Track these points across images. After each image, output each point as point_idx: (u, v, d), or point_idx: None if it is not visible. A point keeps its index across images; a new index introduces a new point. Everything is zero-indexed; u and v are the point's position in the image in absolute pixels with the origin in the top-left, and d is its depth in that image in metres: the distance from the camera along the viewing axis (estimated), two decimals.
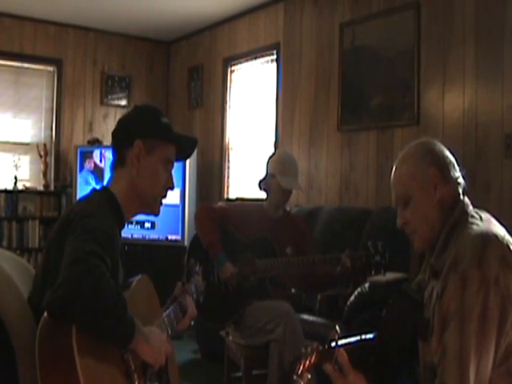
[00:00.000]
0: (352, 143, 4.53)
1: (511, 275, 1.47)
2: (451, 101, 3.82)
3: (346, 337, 1.64)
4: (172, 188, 1.82)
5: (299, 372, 1.52)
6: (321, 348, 1.56)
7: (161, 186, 1.78)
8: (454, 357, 1.44)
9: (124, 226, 1.78)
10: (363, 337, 1.77)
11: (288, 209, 3.45)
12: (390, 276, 2.97)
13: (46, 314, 1.41)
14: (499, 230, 1.59)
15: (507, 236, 1.57)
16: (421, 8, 4.01)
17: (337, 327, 1.59)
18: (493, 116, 3.56)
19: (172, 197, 5.31)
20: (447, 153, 1.70)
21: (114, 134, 1.82)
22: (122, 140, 1.78)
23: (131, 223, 5.39)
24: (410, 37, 4.05)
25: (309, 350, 1.55)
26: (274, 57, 5.35)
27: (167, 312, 1.81)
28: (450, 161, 1.68)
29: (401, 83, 4.12)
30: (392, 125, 4.19)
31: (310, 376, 1.53)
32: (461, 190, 1.66)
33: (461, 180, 1.67)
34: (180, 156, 1.88)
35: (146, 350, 1.51)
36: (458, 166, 1.69)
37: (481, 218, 1.62)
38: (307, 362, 1.53)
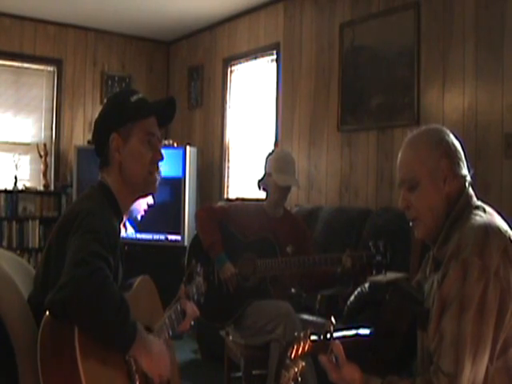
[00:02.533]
0: (352, 143, 4.53)
1: (511, 268, 1.47)
2: (451, 101, 3.82)
3: (341, 330, 1.64)
4: (162, 159, 1.78)
5: (292, 357, 1.51)
6: (316, 338, 1.55)
7: (147, 164, 1.74)
8: (450, 343, 1.44)
9: (123, 218, 1.77)
10: (359, 331, 1.77)
11: (288, 208, 3.45)
12: (390, 276, 2.97)
13: (47, 313, 1.40)
14: (502, 223, 1.59)
15: (509, 230, 1.58)
16: (421, 8, 4.01)
17: (332, 319, 1.58)
18: (493, 116, 3.56)
19: (172, 197, 5.32)
20: (459, 147, 1.69)
21: (92, 138, 1.81)
22: (100, 142, 1.77)
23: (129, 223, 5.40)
24: (410, 37, 4.05)
25: (302, 335, 1.54)
26: (274, 57, 5.35)
27: (168, 313, 1.81)
28: (461, 157, 1.68)
29: (401, 83, 4.12)
30: (392, 125, 4.19)
31: (304, 363, 1.52)
32: (466, 185, 1.67)
33: (468, 178, 1.67)
34: (163, 120, 1.83)
35: (146, 360, 1.50)
36: (467, 162, 1.69)
37: (484, 210, 1.62)
38: (300, 348, 1.53)
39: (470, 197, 1.66)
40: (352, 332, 1.73)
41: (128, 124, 1.73)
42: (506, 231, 1.55)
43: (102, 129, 1.76)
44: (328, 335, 1.56)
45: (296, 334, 1.56)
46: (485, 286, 1.44)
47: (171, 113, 1.87)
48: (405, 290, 1.81)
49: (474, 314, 1.43)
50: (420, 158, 1.65)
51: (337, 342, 1.56)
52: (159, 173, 1.79)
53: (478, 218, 1.57)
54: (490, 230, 1.52)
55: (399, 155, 1.73)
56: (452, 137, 1.70)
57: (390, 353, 1.76)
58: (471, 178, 1.68)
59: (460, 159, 1.67)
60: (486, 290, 1.44)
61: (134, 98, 1.76)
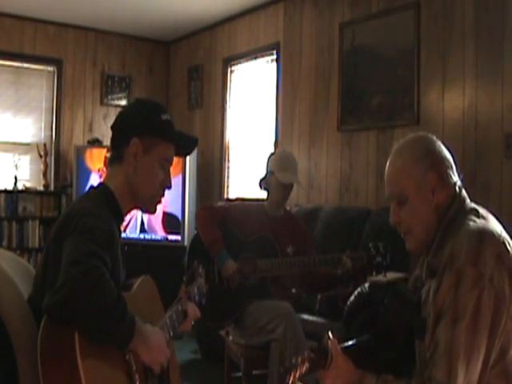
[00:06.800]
0: (352, 143, 4.53)
1: (506, 273, 1.46)
2: (451, 101, 3.82)
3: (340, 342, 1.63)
4: (170, 187, 1.80)
5: (290, 382, 1.51)
6: (312, 355, 1.55)
7: (157, 185, 1.76)
8: (444, 351, 1.43)
9: (123, 221, 1.77)
10: (358, 339, 1.76)
11: (288, 208, 3.45)
12: (390, 276, 2.97)
13: (46, 316, 1.40)
14: (496, 226, 1.57)
15: (504, 233, 1.56)
16: (421, 8, 4.01)
17: (329, 333, 1.58)
18: (493, 116, 3.56)
19: (172, 197, 5.32)
20: (447, 154, 1.66)
21: (112, 128, 1.80)
22: (119, 137, 1.76)
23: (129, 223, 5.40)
24: (410, 37, 4.05)
25: (299, 360, 1.53)
26: (274, 57, 5.35)
27: (169, 313, 1.81)
28: (450, 164, 1.65)
29: (401, 83, 4.12)
30: (392, 125, 4.19)
31: None
32: (458, 190, 1.64)
33: (459, 184, 1.65)
34: (179, 153, 1.85)
35: (145, 352, 1.50)
36: (456, 167, 1.66)
37: (478, 212, 1.60)
38: (298, 372, 1.52)
39: (463, 200, 1.63)
40: (350, 342, 1.72)
41: (153, 139, 1.73)
42: (500, 235, 1.53)
43: (126, 127, 1.75)
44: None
45: (293, 360, 1.54)
46: (479, 295, 1.43)
47: (189, 150, 1.91)
48: (403, 294, 1.81)
49: (468, 323, 1.42)
50: (406, 172, 1.63)
51: (334, 339, 1.56)
52: (162, 196, 1.81)
53: (471, 223, 1.55)
54: (483, 236, 1.50)
55: (386, 168, 1.70)
56: (438, 144, 1.67)
57: (389, 359, 1.75)
58: (462, 180, 1.66)
59: (448, 167, 1.64)
60: (480, 298, 1.43)
61: (164, 117, 1.77)
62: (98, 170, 5.62)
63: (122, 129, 1.77)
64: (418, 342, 1.65)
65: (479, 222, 1.55)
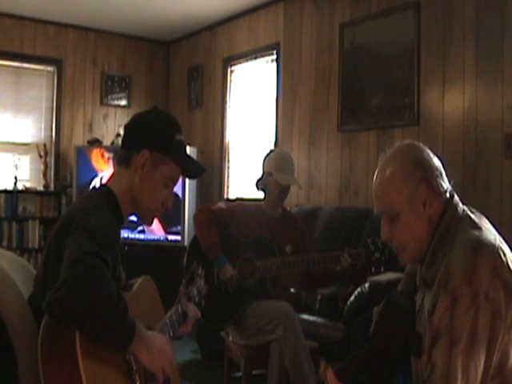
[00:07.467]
0: (352, 143, 4.53)
1: (501, 286, 1.42)
2: (451, 101, 3.82)
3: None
4: (169, 207, 1.80)
5: None
6: None
7: (158, 202, 1.76)
8: (441, 375, 1.40)
9: (123, 224, 1.77)
10: (353, 355, 1.75)
11: (288, 208, 3.45)
12: (390, 276, 2.97)
13: (46, 315, 1.40)
14: (490, 234, 1.52)
15: (497, 240, 1.51)
16: (421, 8, 4.01)
17: (324, 364, 1.57)
18: (493, 116, 3.56)
19: None
20: (436, 161, 1.61)
21: (126, 128, 1.80)
22: (131, 141, 1.76)
23: (131, 223, 5.40)
24: (410, 37, 4.05)
25: None
26: (274, 57, 5.35)
27: (169, 314, 1.81)
28: (439, 172, 1.59)
29: (401, 83, 4.12)
30: (392, 125, 4.18)
31: None
32: (449, 197, 1.59)
33: (450, 190, 1.60)
34: (183, 175, 1.85)
35: (147, 356, 1.49)
36: (446, 172, 1.61)
37: (471, 220, 1.55)
38: None
39: (455, 207, 1.58)
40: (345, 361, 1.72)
41: (163, 156, 1.73)
42: (495, 245, 1.48)
43: (139, 135, 1.75)
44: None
45: None
46: (475, 316, 1.39)
47: (194, 176, 1.93)
48: (397, 304, 1.78)
49: (465, 345, 1.39)
50: (396, 189, 1.58)
51: (330, 369, 1.55)
52: (161, 214, 1.82)
53: (466, 236, 1.49)
54: (478, 249, 1.45)
55: (374, 182, 1.66)
56: (427, 152, 1.61)
57: (385, 368, 1.74)
58: (453, 186, 1.61)
59: (438, 176, 1.58)
60: (476, 319, 1.39)
61: (178, 138, 1.77)
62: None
63: (135, 135, 1.76)
64: (414, 360, 1.63)
65: (472, 233, 1.50)
